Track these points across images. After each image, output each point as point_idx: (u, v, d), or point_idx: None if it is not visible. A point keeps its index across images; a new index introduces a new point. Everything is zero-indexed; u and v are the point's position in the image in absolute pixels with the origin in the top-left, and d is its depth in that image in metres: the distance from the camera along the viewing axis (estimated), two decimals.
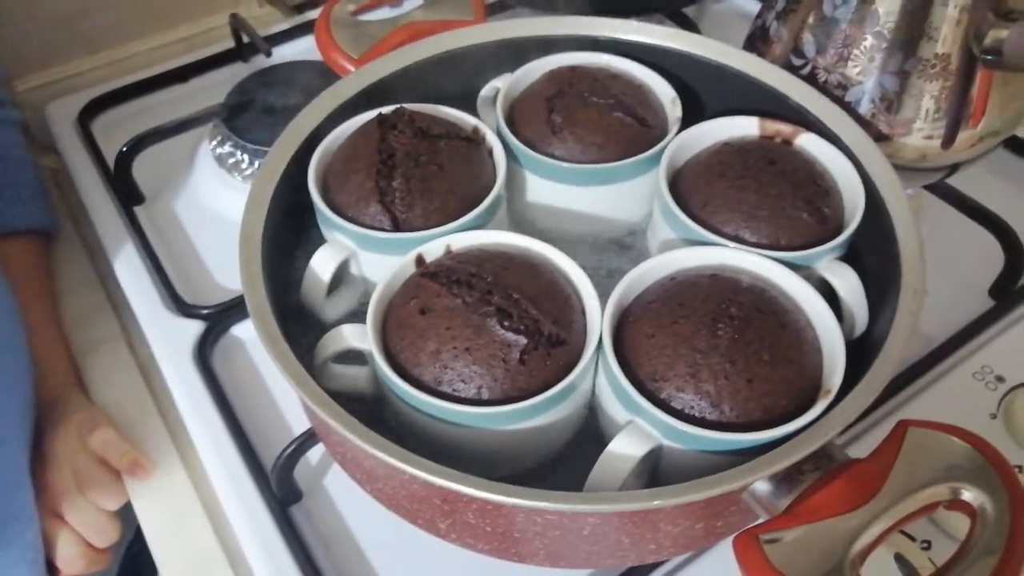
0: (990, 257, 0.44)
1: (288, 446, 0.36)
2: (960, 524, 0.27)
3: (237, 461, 0.38)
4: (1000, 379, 0.40)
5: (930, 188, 0.46)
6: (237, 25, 0.58)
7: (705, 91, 0.41)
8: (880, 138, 0.41)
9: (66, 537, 0.41)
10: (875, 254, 0.33)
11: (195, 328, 0.43)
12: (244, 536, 0.37)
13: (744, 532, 0.25)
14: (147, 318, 0.45)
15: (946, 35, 0.39)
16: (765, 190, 0.34)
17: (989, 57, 0.37)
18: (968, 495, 0.24)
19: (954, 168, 0.43)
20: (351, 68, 0.40)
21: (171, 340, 0.43)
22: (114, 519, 0.42)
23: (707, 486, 0.25)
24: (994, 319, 0.42)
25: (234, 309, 0.44)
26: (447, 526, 0.29)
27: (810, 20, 0.41)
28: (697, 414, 0.27)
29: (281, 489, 0.37)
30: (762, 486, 0.26)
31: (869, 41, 0.39)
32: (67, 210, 0.54)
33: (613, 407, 0.29)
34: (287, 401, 0.41)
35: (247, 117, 0.52)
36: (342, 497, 0.38)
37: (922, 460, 0.26)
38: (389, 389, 0.29)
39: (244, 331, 0.44)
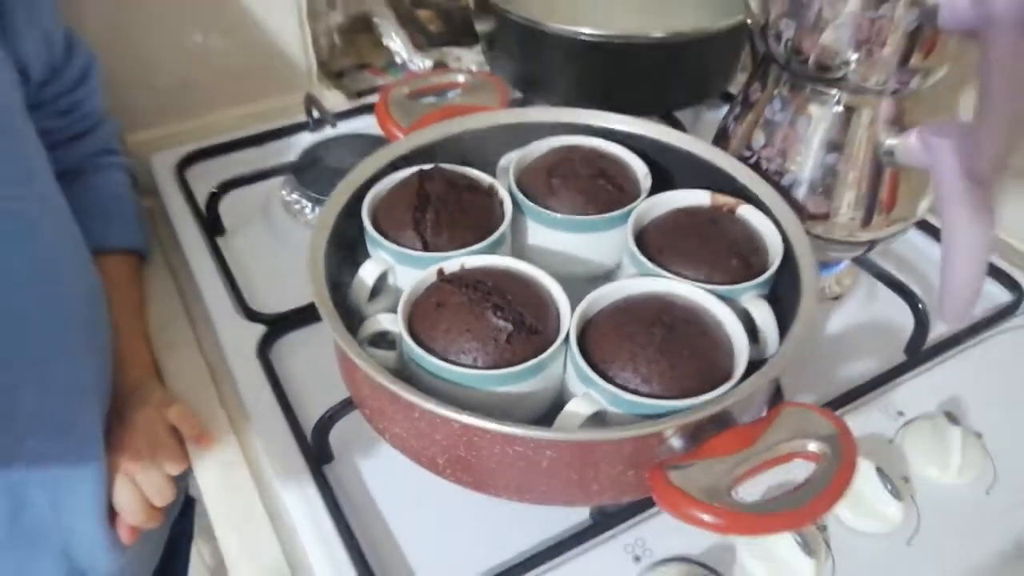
0: (905, 320, 0.54)
1: (326, 413, 0.46)
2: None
3: (285, 430, 0.48)
4: (900, 413, 0.49)
5: (857, 261, 0.56)
6: (310, 102, 0.72)
7: (674, 170, 0.52)
8: (814, 217, 0.52)
9: (133, 492, 0.50)
10: (786, 295, 0.44)
11: (258, 330, 0.54)
12: (287, 490, 0.46)
13: (656, 463, 0.34)
14: (221, 322, 0.56)
15: (860, 140, 0.50)
16: (706, 242, 0.45)
17: (888, 158, 0.49)
18: (814, 447, 0.34)
19: (873, 244, 0.53)
20: (400, 135, 0.52)
21: (239, 339, 0.54)
22: (173, 484, 0.52)
23: (630, 430, 0.34)
24: (903, 371, 0.52)
25: (288, 319, 0.55)
26: (444, 461, 0.38)
27: (759, 121, 0.53)
28: (632, 387, 0.37)
29: (318, 450, 0.47)
30: (675, 440, 0.36)
31: (802, 141, 0.51)
32: (157, 241, 0.67)
33: (574, 382, 0.39)
34: (327, 386, 0.51)
35: (313, 173, 0.65)
36: (365, 461, 0.48)
37: (791, 426, 0.35)
38: (410, 358, 0.39)
39: (295, 336, 0.55)
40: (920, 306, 0.53)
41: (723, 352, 0.39)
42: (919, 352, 0.53)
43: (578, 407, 0.37)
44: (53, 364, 0.47)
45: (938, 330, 0.54)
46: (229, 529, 0.48)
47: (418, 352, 0.38)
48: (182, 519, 0.68)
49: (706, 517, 0.32)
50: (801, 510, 0.32)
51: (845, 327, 0.57)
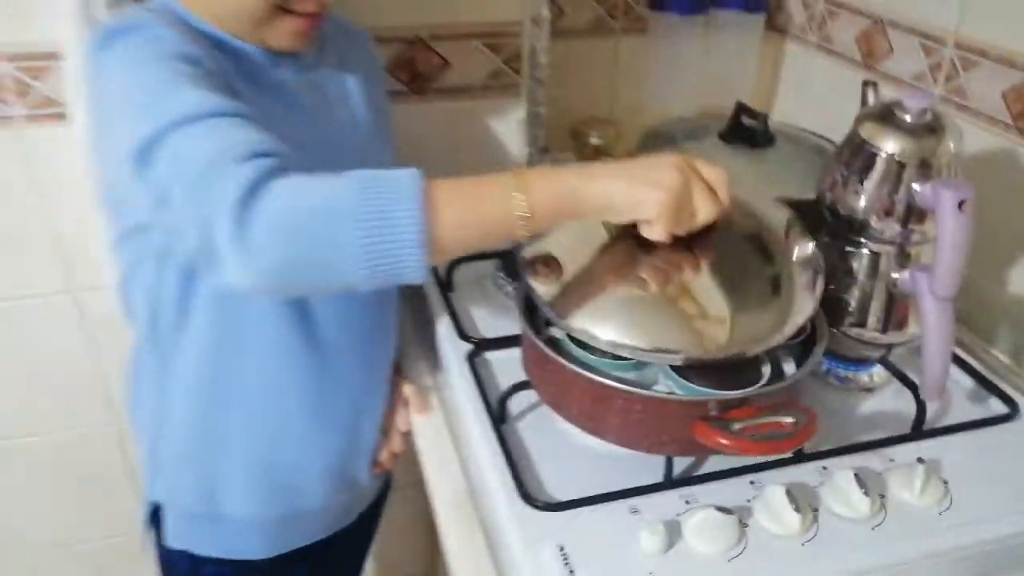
0: (911, 406, 0.76)
1: (507, 390, 0.74)
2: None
3: (479, 402, 0.77)
4: (891, 460, 0.70)
5: (882, 362, 0.79)
6: None
7: None
8: (853, 325, 0.76)
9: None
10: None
11: (467, 347, 0.85)
12: (476, 440, 0.74)
13: (700, 417, 0.60)
14: (447, 346, 0.86)
15: (880, 274, 0.75)
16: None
17: (894, 288, 0.73)
18: (789, 420, 0.59)
19: (891, 347, 0.76)
20: None
21: (456, 351, 0.84)
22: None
23: (684, 397, 0.61)
24: (904, 440, 0.73)
25: (486, 342, 0.84)
26: (576, 411, 0.65)
27: None
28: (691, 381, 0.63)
29: (499, 414, 0.75)
30: (713, 408, 0.61)
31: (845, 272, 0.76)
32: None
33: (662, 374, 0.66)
34: (508, 380, 0.79)
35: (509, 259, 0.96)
36: (525, 424, 0.75)
37: (779, 410, 0.60)
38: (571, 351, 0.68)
39: (491, 354, 0.84)
40: (921, 398, 0.75)
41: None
42: (920, 430, 0.74)
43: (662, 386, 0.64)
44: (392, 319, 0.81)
45: (942, 423, 0.76)
46: (435, 466, 0.76)
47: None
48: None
49: (724, 441, 0.57)
50: (781, 444, 0.56)
51: (872, 410, 0.79)
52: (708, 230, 0.63)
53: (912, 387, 0.76)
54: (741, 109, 1.00)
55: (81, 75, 0.82)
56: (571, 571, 0.60)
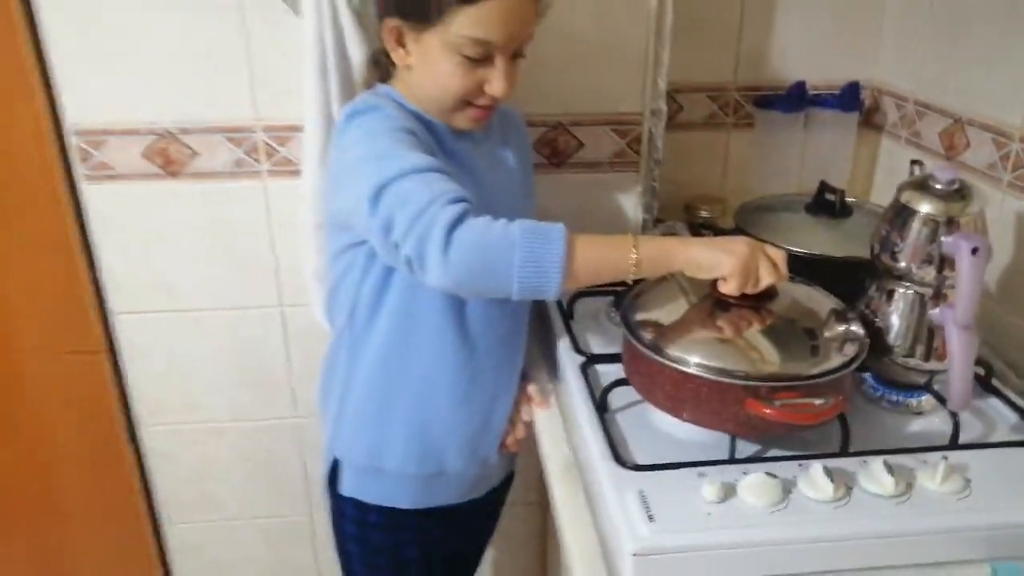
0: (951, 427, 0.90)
1: (608, 385, 0.95)
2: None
3: (587, 397, 0.98)
4: (924, 462, 0.85)
5: (926, 387, 0.94)
6: None
7: None
8: (904, 355, 0.92)
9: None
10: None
11: (581, 359, 1.06)
12: (583, 423, 0.95)
13: (753, 397, 0.79)
14: (565, 358, 1.09)
15: (919, 311, 0.91)
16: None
17: (930, 322, 0.89)
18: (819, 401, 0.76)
19: (933, 373, 0.92)
20: None
21: (572, 362, 1.06)
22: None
23: (742, 380, 0.80)
24: (938, 449, 0.87)
25: (595, 357, 1.06)
26: (661, 395, 0.85)
27: (872, 299, 0.96)
28: None
29: (601, 403, 0.95)
30: (764, 391, 0.80)
31: (893, 310, 0.93)
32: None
33: None
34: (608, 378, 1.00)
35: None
36: (623, 414, 0.95)
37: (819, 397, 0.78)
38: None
39: (599, 366, 1.05)
40: (956, 418, 0.89)
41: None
42: (956, 444, 0.88)
43: None
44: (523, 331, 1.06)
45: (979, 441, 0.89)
46: (551, 444, 0.98)
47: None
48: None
49: (767, 410, 0.76)
50: (809, 416, 0.75)
51: (917, 429, 0.93)
52: (769, 299, 0.86)
53: (954, 415, 0.91)
54: (824, 187, 1.19)
55: (312, 142, 1.15)
56: (648, 511, 0.79)
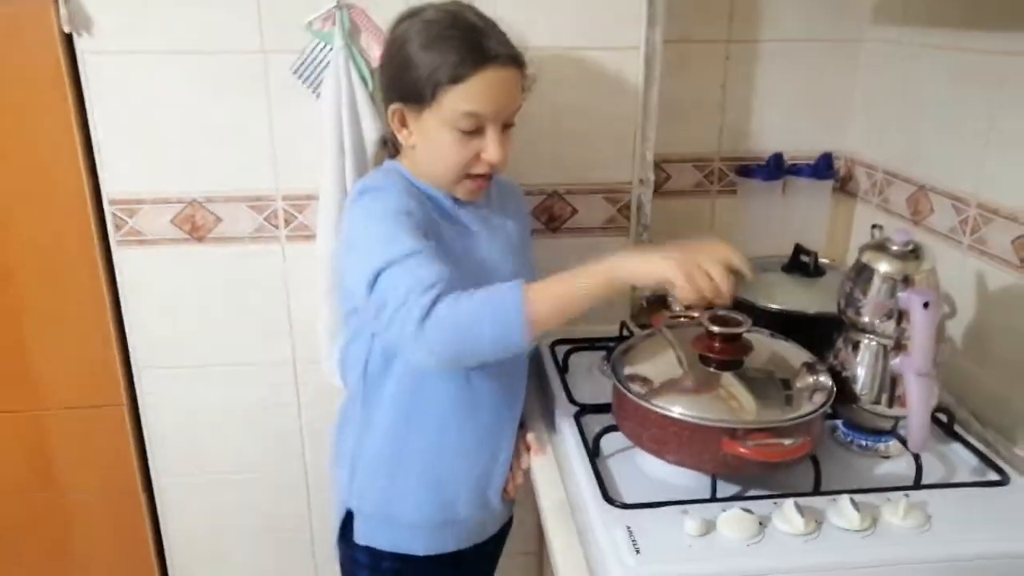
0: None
1: (600, 431, 1.03)
2: None
3: (580, 444, 1.06)
4: (888, 499, 0.92)
5: (892, 433, 1.02)
6: (623, 327, 1.36)
7: None
8: (870, 401, 1.01)
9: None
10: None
11: (574, 409, 1.14)
12: (576, 467, 1.03)
13: (729, 439, 0.87)
14: (561, 408, 1.17)
15: (882, 362, 1.00)
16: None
17: (892, 371, 0.98)
18: (787, 441, 0.84)
19: (897, 419, 1.00)
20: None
21: (566, 414, 1.14)
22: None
23: (716, 423, 0.88)
24: (902, 489, 0.95)
25: (587, 408, 1.14)
26: (645, 437, 0.94)
27: (839, 349, 1.05)
28: None
29: (593, 449, 1.03)
30: (741, 432, 0.88)
31: (858, 361, 1.02)
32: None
33: None
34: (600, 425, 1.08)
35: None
36: (612, 459, 1.03)
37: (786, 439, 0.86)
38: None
39: (590, 416, 1.13)
40: (918, 460, 0.97)
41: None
42: (919, 484, 0.96)
43: None
44: (521, 385, 1.14)
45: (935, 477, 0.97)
46: (547, 486, 1.05)
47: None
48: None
49: (740, 449, 0.84)
50: (777, 453, 0.82)
51: (884, 471, 1.01)
52: (746, 352, 0.97)
53: (916, 456, 0.99)
54: (799, 249, 1.29)
55: (327, 211, 1.26)
56: (635, 543, 0.86)
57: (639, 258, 0.92)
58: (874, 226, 1.06)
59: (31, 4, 1.18)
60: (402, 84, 1.00)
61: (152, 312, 1.38)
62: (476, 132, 0.99)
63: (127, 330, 1.39)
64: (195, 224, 1.34)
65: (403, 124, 1.03)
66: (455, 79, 0.95)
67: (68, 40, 1.22)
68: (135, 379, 1.42)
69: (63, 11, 1.19)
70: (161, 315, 1.38)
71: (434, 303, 0.89)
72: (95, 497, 1.48)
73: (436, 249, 0.95)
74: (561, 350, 1.32)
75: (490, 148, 1.00)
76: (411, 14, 1.02)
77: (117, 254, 1.34)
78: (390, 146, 1.14)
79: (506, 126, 1.02)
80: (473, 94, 0.96)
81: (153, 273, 1.36)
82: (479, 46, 0.96)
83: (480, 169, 1.02)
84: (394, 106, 1.02)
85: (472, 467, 1.11)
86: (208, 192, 1.33)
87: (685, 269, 0.88)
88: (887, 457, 1.03)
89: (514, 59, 0.99)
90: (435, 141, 1.00)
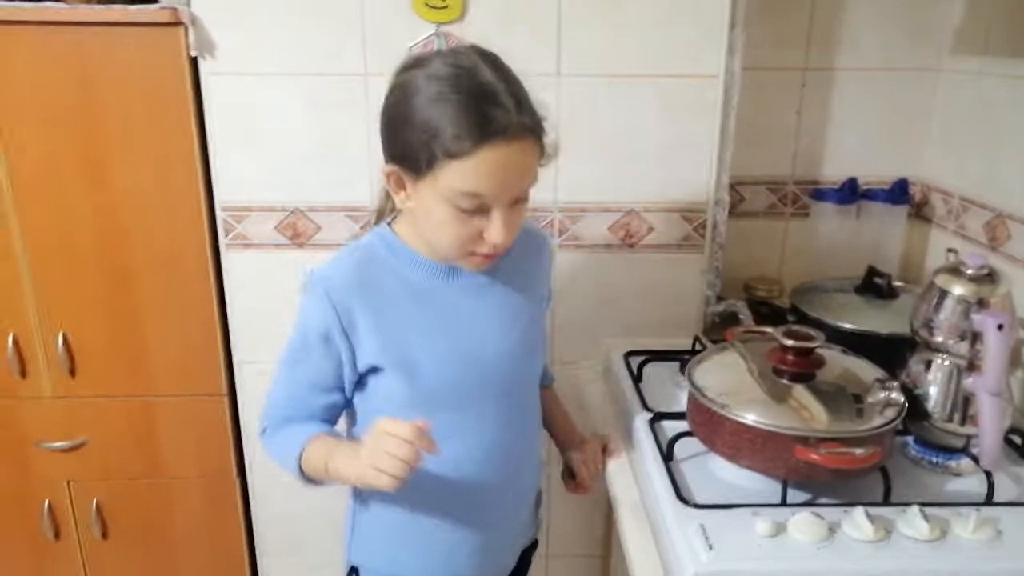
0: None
1: (673, 436, 1.08)
2: None
3: (655, 447, 1.11)
4: (959, 514, 0.95)
5: (963, 451, 1.04)
6: (696, 341, 1.41)
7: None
8: (941, 420, 1.03)
9: None
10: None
11: (649, 416, 1.20)
12: (651, 468, 1.08)
13: (803, 446, 0.91)
14: (636, 416, 1.22)
15: (956, 380, 1.02)
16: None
17: (965, 391, 1.00)
18: (858, 451, 0.88)
19: (970, 437, 1.02)
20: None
21: (642, 420, 1.20)
22: None
23: (790, 431, 0.93)
24: (973, 504, 0.97)
25: (662, 415, 1.19)
26: (720, 443, 0.99)
27: (914, 368, 1.08)
28: None
29: (668, 453, 1.08)
30: (813, 438, 0.92)
31: (931, 381, 1.05)
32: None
33: None
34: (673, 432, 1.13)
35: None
36: (687, 462, 1.08)
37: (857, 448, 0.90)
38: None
39: (666, 424, 1.18)
40: (990, 477, 0.99)
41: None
42: (990, 500, 0.98)
43: None
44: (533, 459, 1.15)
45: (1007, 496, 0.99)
46: (621, 487, 1.11)
47: None
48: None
49: (813, 456, 0.88)
50: (849, 460, 0.87)
51: (956, 488, 1.03)
52: (819, 367, 1.01)
53: (988, 473, 1.01)
54: (871, 271, 1.33)
55: None
56: (708, 541, 0.91)
57: (347, 462, 0.92)
58: (949, 250, 1.09)
59: (165, 31, 1.31)
60: (398, 145, 0.89)
61: (253, 311, 1.49)
62: (479, 210, 0.87)
63: (230, 327, 1.50)
64: (296, 230, 1.44)
65: (400, 186, 0.92)
66: (453, 154, 0.83)
67: (193, 62, 1.35)
68: (235, 372, 1.53)
69: (191, 37, 1.32)
70: (260, 314, 1.49)
71: (263, 431, 1.05)
72: (193, 482, 1.59)
73: (316, 377, 1.00)
74: (635, 361, 1.37)
75: (493, 230, 0.88)
76: (417, 63, 0.88)
77: (225, 257, 1.46)
78: (383, 203, 1.05)
79: (516, 202, 0.89)
80: (474, 172, 0.83)
81: (256, 275, 1.47)
82: (485, 117, 0.82)
83: (484, 249, 0.91)
84: (389, 167, 0.91)
85: (477, 527, 1.06)
86: (309, 202, 1.43)
87: (373, 464, 0.86)
88: (958, 475, 1.06)
89: (530, 130, 0.85)
90: (433, 214, 0.89)
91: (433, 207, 0.88)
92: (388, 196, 1.01)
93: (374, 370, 0.98)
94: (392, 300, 0.96)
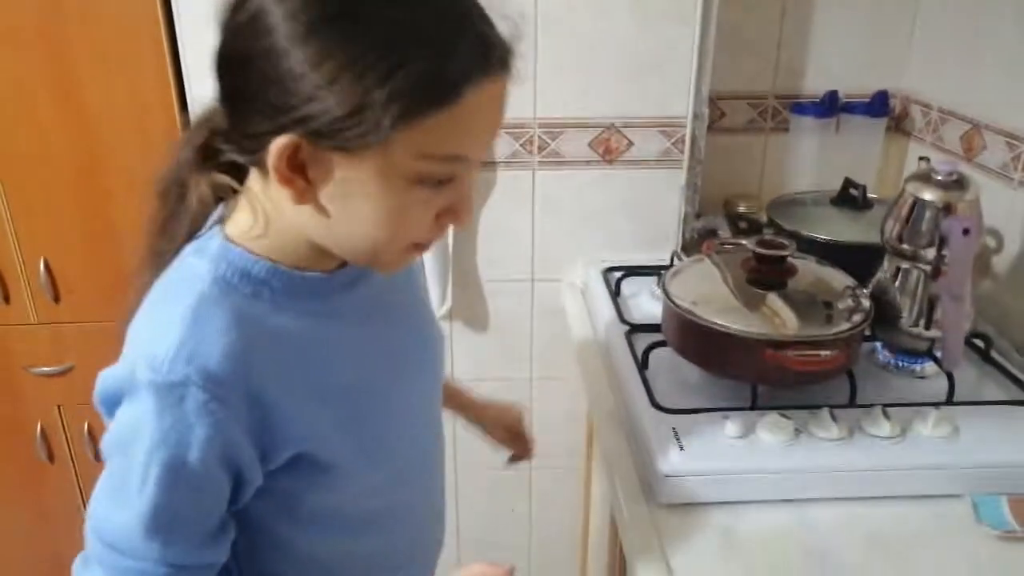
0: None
1: (648, 346, 1.11)
2: None
3: (630, 358, 1.14)
4: (917, 411, 0.99)
5: (928, 354, 1.08)
6: (674, 256, 1.43)
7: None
8: (909, 323, 1.06)
9: None
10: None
11: (625, 328, 1.22)
12: (628, 378, 1.11)
13: (773, 348, 0.94)
14: (612, 328, 1.25)
15: (923, 284, 1.05)
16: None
17: (931, 296, 1.03)
18: (825, 352, 0.91)
19: (933, 340, 1.05)
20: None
21: (618, 333, 1.22)
22: None
23: (761, 336, 0.95)
24: (934, 404, 1.01)
25: (637, 327, 1.22)
26: (688, 348, 1.01)
27: (882, 274, 1.10)
28: None
29: (643, 363, 1.11)
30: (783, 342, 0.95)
31: (900, 289, 1.07)
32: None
33: None
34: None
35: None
36: (661, 372, 1.11)
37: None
38: None
39: (641, 336, 1.21)
40: (951, 378, 1.03)
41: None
42: (951, 401, 1.02)
43: None
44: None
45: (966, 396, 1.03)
46: (598, 398, 1.14)
47: None
48: None
49: (782, 357, 0.91)
50: (817, 363, 0.90)
51: (920, 391, 1.07)
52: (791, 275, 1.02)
53: (949, 374, 1.04)
54: (848, 183, 1.34)
55: None
56: (679, 442, 0.94)
57: None
58: (921, 158, 1.10)
59: None
60: (299, 103, 0.55)
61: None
62: (446, 182, 0.61)
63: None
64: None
65: (298, 171, 0.59)
66: (429, 102, 0.55)
67: None
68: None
69: None
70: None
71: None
72: None
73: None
74: (614, 276, 1.39)
75: (466, 202, 0.64)
76: None
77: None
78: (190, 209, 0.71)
79: None
80: (461, 126, 0.58)
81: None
82: (480, 40, 0.57)
83: (434, 235, 0.65)
84: (285, 140, 0.57)
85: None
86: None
87: None
88: (923, 377, 1.09)
89: (513, 55, 0.61)
90: (374, 199, 0.59)
91: (376, 191, 0.59)
92: (200, 200, 0.70)
93: (295, 460, 0.67)
94: (302, 351, 0.66)
